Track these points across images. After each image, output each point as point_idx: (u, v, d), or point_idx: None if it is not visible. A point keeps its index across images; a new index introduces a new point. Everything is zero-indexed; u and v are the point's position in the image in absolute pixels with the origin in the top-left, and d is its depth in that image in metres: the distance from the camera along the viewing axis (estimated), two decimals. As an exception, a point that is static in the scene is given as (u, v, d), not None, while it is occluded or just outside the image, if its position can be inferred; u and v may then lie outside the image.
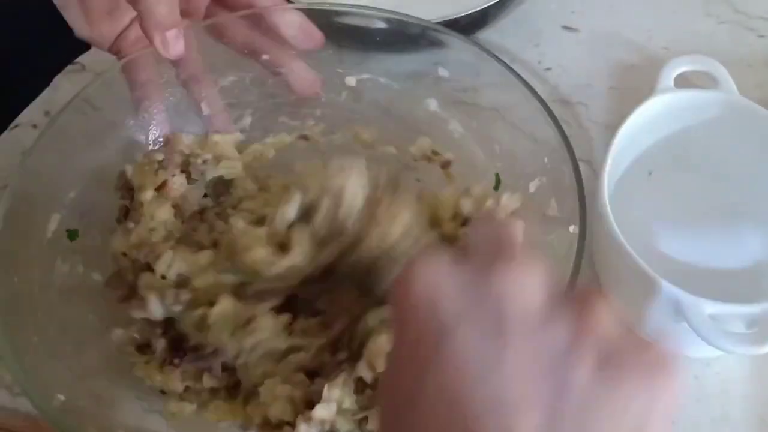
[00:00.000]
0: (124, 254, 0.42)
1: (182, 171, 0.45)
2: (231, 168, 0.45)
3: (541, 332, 0.22)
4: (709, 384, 0.43)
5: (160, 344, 0.40)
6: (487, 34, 0.57)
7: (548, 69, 0.58)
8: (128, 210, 0.44)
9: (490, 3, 0.53)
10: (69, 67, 0.59)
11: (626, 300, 0.44)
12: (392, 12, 0.46)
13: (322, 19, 0.47)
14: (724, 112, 0.46)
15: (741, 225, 0.47)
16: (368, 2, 0.47)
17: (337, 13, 0.47)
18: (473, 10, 0.52)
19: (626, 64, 0.58)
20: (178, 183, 0.44)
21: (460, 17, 0.51)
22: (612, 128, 0.45)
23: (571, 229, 0.38)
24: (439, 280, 0.24)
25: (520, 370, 0.22)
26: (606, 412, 0.21)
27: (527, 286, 0.23)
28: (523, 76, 0.44)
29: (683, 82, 0.48)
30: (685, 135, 0.47)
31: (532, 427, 0.21)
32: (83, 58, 0.59)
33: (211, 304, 0.38)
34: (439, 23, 0.47)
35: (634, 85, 0.54)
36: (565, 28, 0.60)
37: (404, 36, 0.47)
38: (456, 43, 0.46)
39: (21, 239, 0.41)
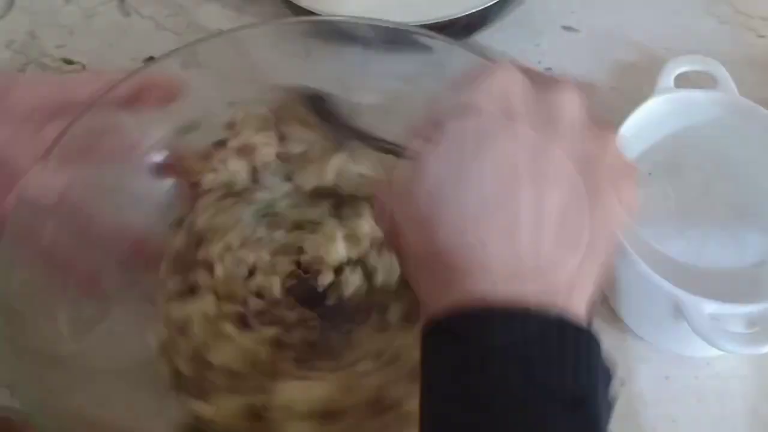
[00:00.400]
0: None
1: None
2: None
3: (578, 138, 0.29)
4: (709, 384, 0.43)
5: None
6: (488, 34, 0.57)
7: (548, 69, 0.58)
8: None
9: (490, 3, 0.53)
10: (71, 67, 0.59)
11: (627, 300, 0.44)
12: (375, 20, 0.46)
13: (320, 25, 0.47)
14: (724, 112, 0.46)
15: (741, 225, 0.47)
16: (370, 3, 0.47)
17: (326, 23, 0.47)
18: (473, 10, 0.52)
19: (626, 64, 0.58)
20: (265, 151, 0.43)
21: (460, 17, 0.51)
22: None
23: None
24: (511, 79, 0.29)
25: (559, 156, 0.28)
26: None
27: (577, 103, 0.29)
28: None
29: (683, 82, 0.48)
30: (685, 135, 0.48)
31: (556, 202, 0.27)
32: (84, 58, 0.59)
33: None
34: (439, 23, 0.47)
35: (634, 85, 0.54)
36: (565, 28, 0.60)
37: (389, 41, 0.47)
38: (441, 46, 0.46)
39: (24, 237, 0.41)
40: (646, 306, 0.43)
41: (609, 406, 0.27)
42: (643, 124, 0.46)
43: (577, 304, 0.27)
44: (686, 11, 0.60)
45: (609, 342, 0.26)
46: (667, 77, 0.48)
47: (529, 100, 0.29)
